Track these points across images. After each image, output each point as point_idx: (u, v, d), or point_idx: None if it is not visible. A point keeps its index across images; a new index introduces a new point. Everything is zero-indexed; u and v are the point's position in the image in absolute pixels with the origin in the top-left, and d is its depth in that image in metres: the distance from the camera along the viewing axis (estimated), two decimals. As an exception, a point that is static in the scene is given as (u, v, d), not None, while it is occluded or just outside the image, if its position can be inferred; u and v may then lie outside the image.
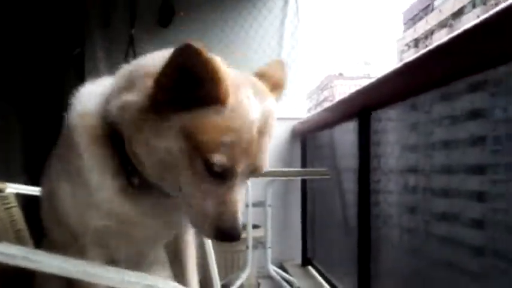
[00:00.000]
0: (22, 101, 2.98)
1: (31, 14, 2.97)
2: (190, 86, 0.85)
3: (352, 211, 2.24)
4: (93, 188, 0.98)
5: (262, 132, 0.91)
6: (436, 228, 1.58)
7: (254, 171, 0.94)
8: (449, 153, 1.53)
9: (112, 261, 1.10)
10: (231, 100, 0.87)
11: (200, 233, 0.94)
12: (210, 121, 0.86)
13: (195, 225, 0.93)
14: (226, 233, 0.89)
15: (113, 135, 0.97)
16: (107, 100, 1.00)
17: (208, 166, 0.87)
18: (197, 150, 0.86)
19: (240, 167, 0.89)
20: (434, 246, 1.60)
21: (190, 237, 1.29)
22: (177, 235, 1.24)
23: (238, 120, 0.87)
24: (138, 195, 1.00)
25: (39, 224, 1.50)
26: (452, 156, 1.49)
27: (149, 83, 0.89)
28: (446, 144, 1.54)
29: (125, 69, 1.05)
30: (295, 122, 3.57)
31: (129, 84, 0.96)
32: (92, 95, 1.06)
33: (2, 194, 1.39)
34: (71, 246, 1.02)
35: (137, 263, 1.19)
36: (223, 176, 0.89)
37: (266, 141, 0.94)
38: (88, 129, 1.00)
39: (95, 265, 0.77)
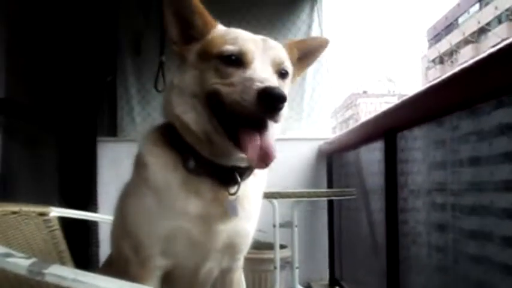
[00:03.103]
0: (59, 128, 3.10)
1: (68, 44, 3.12)
2: (187, 25, 1.08)
3: (380, 230, 2.24)
4: (158, 187, 1.07)
5: (265, 48, 1.06)
6: (466, 246, 1.56)
7: (273, 60, 1.06)
8: (477, 171, 1.52)
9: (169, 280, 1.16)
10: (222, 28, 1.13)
11: (246, 109, 0.94)
12: (213, 36, 1.08)
13: (239, 105, 0.96)
14: (271, 94, 0.93)
15: (170, 135, 1.10)
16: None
17: (224, 58, 1.02)
18: (212, 57, 1.03)
19: (250, 53, 1.02)
20: (464, 265, 1.58)
21: (240, 275, 1.32)
22: (226, 271, 1.26)
23: (236, 33, 1.09)
24: (198, 188, 1.07)
25: (77, 246, 1.58)
26: (481, 174, 1.49)
27: None
28: (474, 162, 1.54)
29: None
30: (321, 142, 3.60)
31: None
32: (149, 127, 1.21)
33: (46, 218, 1.47)
34: (136, 259, 1.10)
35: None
36: (242, 63, 1.01)
37: (273, 54, 1.07)
38: (148, 138, 1.14)
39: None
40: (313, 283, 3.46)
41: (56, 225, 1.49)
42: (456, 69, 1.47)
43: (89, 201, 3.30)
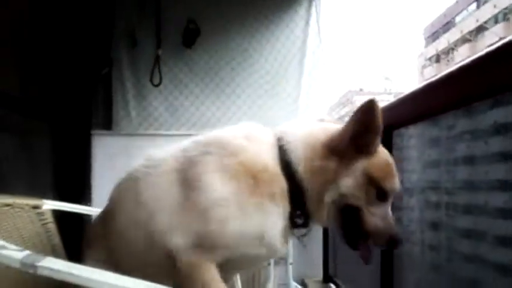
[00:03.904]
0: (53, 120, 3.08)
1: (62, 36, 3.09)
2: (365, 136, 1.23)
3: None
4: (266, 226, 1.24)
5: None
6: (460, 245, 1.56)
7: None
8: (471, 170, 1.52)
9: None
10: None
11: (379, 238, 1.28)
12: (378, 162, 1.27)
13: (377, 233, 1.28)
14: (396, 239, 1.28)
15: (292, 189, 1.27)
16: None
17: (380, 192, 1.26)
18: (373, 183, 1.25)
19: (391, 194, 1.29)
20: (457, 263, 1.58)
21: None
22: None
23: (388, 159, 1.31)
24: (286, 233, 1.31)
25: (71, 239, 1.57)
26: (475, 173, 1.49)
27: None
28: (469, 161, 1.54)
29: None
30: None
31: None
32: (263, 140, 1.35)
33: (39, 210, 1.46)
34: (202, 263, 1.21)
35: None
36: (386, 199, 1.28)
37: None
38: (276, 184, 1.26)
39: (143, 283, 0.80)
40: (307, 279, 3.47)
41: (50, 218, 1.48)
42: (452, 67, 1.47)
43: (83, 195, 3.28)
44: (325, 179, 1.24)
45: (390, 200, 1.29)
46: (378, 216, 1.26)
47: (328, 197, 1.26)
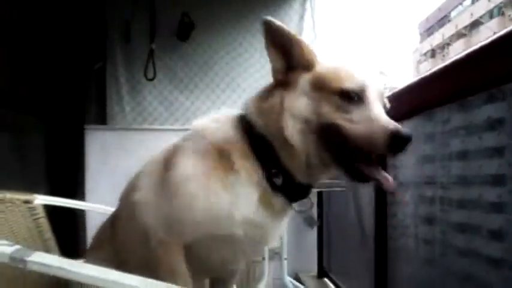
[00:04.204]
0: (45, 113, 3.06)
1: (54, 29, 3.06)
2: (287, 54, 1.15)
3: (369, 223, 2.24)
4: (238, 193, 1.16)
5: (375, 83, 1.15)
6: (454, 239, 1.57)
7: (380, 94, 1.15)
8: (465, 165, 1.52)
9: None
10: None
11: (375, 147, 1.04)
12: (327, 70, 1.14)
13: (368, 142, 1.04)
14: (398, 134, 1.02)
15: (258, 148, 1.18)
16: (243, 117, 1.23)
17: (345, 95, 1.08)
18: (330, 91, 1.09)
19: (368, 91, 1.10)
20: (452, 257, 1.58)
21: None
22: None
23: (336, 64, 1.17)
24: (272, 202, 1.19)
25: (64, 234, 1.56)
26: (469, 168, 1.49)
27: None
28: (464, 155, 1.54)
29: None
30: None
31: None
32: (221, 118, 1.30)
33: (31, 205, 1.45)
34: (172, 245, 1.20)
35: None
36: (358, 100, 1.09)
37: (380, 88, 1.17)
38: (239, 137, 1.21)
39: (135, 278, 0.79)
40: (302, 274, 3.48)
41: (41, 213, 1.47)
42: (446, 61, 1.47)
43: (76, 189, 3.27)
44: (278, 114, 1.14)
45: (370, 100, 1.10)
46: (361, 122, 1.06)
47: (292, 130, 1.12)
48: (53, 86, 3.10)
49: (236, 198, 1.15)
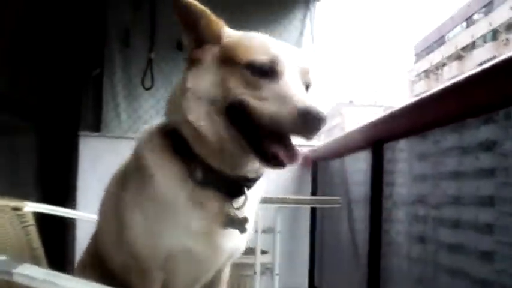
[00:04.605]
0: (39, 117, 3.02)
1: (53, 33, 3.05)
2: (194, 27, 1.01)
3: (362, 240, 2.23)
4: (165, 202, 1.02)
5: (293, 57, 1.02)
6: (447, 259, 1.57)
7: (301, 70, 1.01)
8: (460, 185, 1.53)
9: None
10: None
11: (284, 126, 0.90)
12: (234, 41, 1.01)
13: (276, 121, 0.91)
14: (314, 115, 0.88)
15: (174, 142, 1.04)
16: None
17: (255, 69, 0.95)
18: (239, 65, 0.96)
19: (281, 64, 0.96)
20: (444, 277, 1.58)
21: (228, 270, 1.31)
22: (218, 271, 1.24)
23: (247, 34, 1.04)
24: (204, 201, 1.02)
25: (53, 243, 1.52)
26: (463, 188, 1.49)
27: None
28: (458, 176, 1.55)
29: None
30: (306, 149, 3.59)
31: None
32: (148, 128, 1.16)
33: (20, 212, 1.41)
34: (132, 271, 1.09)
35: None
36: (271, 75, 0.95)
37: (301, 64, 1.03)
38: (151, 143, 1.08)
39: None
40: (292, 290, 3.44)
41: (31, 221, 1.43)
42: (443, 84, 1.49)
43: (67, 197, 3.22)
44: (180, 98, 1.01)
45: (284, 75, 0.96)
46: (270, 99, 0.92)
47: (197, 114, 0.98)
48: (48, 91, 3.07)
49: (166, 210, 1.01)
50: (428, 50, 38.24)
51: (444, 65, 34.07)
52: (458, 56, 32.17)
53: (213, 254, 1.07)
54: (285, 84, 0.94)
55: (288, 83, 0.95)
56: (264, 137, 0.94)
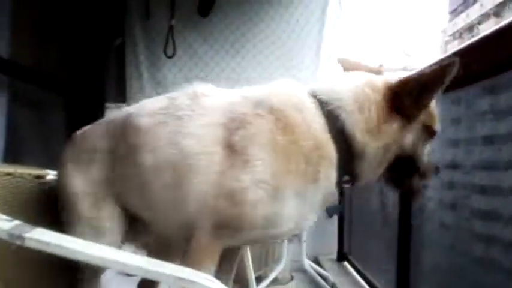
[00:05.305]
0: (67, 91, 3.04)
1: (74, 5, 3.02)
2: (433, 92, 1.16)
3: (392, 206, 2.17)
4: (303, 209, 1.17)
5: None
6: (478, 225, 1.52)
7: None
8: (492, 149, 1.46)
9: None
10: None
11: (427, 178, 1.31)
12: (432, 110, 1.24)
13: (427, 171, 1.30)
14: (436, 166, 1.33)
15: (345, 159, 1.18)
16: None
17: (432, 135, 1.26)
18: (427, 129, 1.24)
19: None
20: (476, 243, 1.54)
21: None
22: None
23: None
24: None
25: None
26: (495, 152, 1.42)
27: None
28: (490, 140, 1.48)
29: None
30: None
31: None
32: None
33: (42, 181, 1.42)
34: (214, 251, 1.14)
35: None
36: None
37: None
38: (325, 161, 1.19)
39: (132, 256, 0.74)
40: (321, 257, 3.43)
41: (52, 189, 1.44)
42: (471, 40, 1.45)
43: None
44: (389, 142, 1.18)
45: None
46: (426, 154, 1.28)
47: (389, 157, 1.21)
48: (73, 62, 3.07)
49: (304, 208, 1.15)
50: (461, 8, 36.53)
51: (479, 23, 32.55)
52: (492, 14, 30.63)
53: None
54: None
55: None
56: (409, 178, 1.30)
